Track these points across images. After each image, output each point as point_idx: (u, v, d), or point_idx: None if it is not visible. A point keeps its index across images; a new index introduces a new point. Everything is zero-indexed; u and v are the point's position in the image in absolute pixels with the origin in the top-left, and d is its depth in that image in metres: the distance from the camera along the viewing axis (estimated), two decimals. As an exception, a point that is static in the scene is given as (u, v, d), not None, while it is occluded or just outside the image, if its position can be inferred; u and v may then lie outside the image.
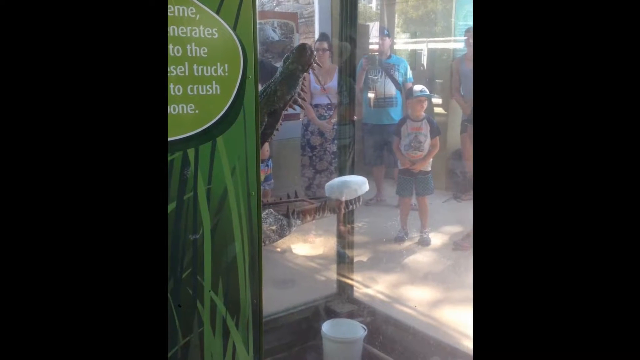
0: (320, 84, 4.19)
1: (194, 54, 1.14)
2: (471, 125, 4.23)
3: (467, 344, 2.23)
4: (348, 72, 2.45)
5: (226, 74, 1.19)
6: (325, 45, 4.17)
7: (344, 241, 2.57)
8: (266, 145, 3.51)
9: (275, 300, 2.63)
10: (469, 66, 4.49)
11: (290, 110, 1.68)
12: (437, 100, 5.32)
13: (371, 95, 4.61)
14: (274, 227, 1.67)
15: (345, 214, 2.44)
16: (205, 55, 1.16)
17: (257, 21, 1.20)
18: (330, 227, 2.93)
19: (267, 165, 3.63)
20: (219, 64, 1.18)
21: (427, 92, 3.88)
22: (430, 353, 2.17)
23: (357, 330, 2.21)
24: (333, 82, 3.99)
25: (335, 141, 3.62)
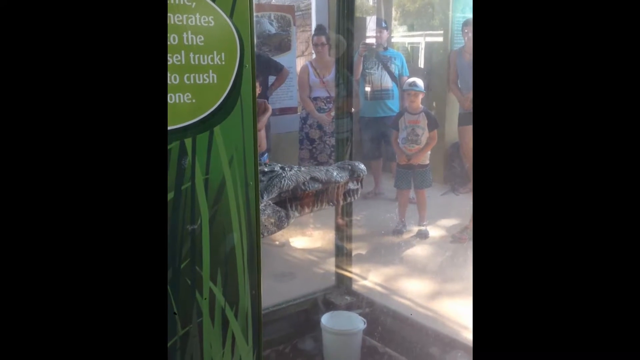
0: (319, 77, 4.18)
1: (190, 42, 1.13)
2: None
3: (466, 335, 2.24)
4: (345, 65, 2.44)
5: (223, 63, 1.18)
6: (324, 39, 4.16)
7: (343, 234, 2.57)
8: (263, 139, 3.50)
9: (275, 293, 2.63)
10: (466, 59, 4.48)
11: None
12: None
13: (368, 88, 4.59)
14: (272, 219, 1.66)
15: (343, 206, 2.44)
16: (202, 44, 1.15)
17: (254, 13, 1.18)
18: (329, 220, 2.92)
19: (261, 160, 3.61)
20: (215, 52, 1.17)
21: (418, 86, 3.83)
22: (428, 344, 2.17)
23: (356, 322, 2.22)
24: (332, 75, 3.97)
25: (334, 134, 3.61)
